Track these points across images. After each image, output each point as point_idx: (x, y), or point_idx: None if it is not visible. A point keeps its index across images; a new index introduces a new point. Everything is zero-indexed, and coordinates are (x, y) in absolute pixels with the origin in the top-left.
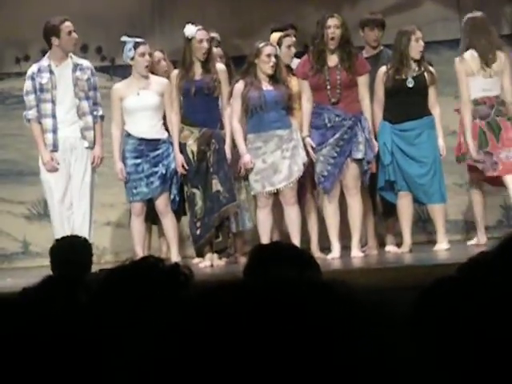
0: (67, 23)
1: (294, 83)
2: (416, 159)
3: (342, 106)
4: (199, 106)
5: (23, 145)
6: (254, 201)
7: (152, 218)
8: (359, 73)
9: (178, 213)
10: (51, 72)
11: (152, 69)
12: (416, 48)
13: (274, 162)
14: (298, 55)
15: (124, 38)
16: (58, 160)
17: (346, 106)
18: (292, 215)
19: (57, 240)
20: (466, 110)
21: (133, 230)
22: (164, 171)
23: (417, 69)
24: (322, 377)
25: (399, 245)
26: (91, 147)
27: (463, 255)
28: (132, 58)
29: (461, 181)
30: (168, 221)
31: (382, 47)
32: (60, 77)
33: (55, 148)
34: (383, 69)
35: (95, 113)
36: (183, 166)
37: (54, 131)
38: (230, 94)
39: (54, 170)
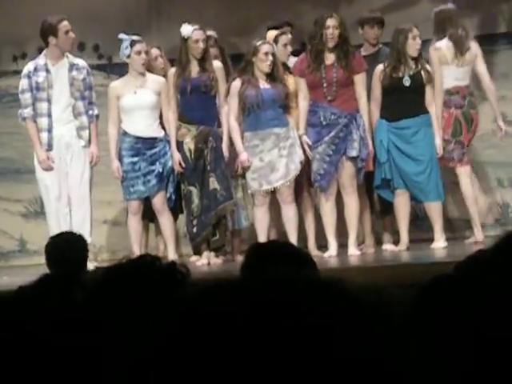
0: (65, 22)
1: (291, 81)
2: (412, 157)
3: (338, 103)
4: (196, 104)
5: (20, 143)
6: (252, 199)
7: (149, 216)
8: (356, 71)
9: (175, 211)
10: (48, 71)
11: (148, 66)
12: (413, 46)
13: (271, 160)
14: (294, 53)
15: (121, 36)
16: (54, 158)
17: (341, 103)
18: (289, 213)
19: (51, 237)
20: (439, 98)
21: (130, 228)
22: (161, 169)
23: (414, 67)
24: (321, 375)
25: (396, 243)
26: (87, 146)
27: (460, 253)
28: (128, 56)
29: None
30: (165, 219)
31: (380, 45)
32: (56, 76)
33: (50, 147)
34: (380, 67)
35: (90, 112)
36: (180, 164)
37: (49, 130)
38: (227, 92)
39: (49, 168)
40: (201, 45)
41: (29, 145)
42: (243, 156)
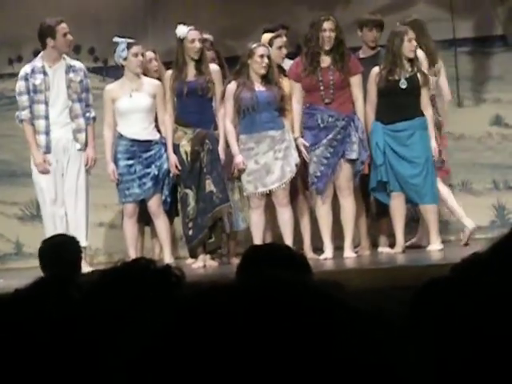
0: (63, 25)
1: (286, 84)
2: (408, 160)
3: (335, 106)
4: (192, 107)
5: (16, 145)
6: (248, 201)
7: (145, 219)
8: (352, 73)
9: (171, 214)
10: (45, 73)
11: (143, 68)
12: (409, 48)
13: (267, 162)
14: (290, 56)
15: (116, 39)
16: (50, 161)
17: (339, 106)
18: (285, 216)
19: (44, 241)
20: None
21: (125, 231)
22: (156, 172)
23: (410, 69)
24: (318, 380)
25: (392, 245)
26: (83, 149)
27: (456, 255)
28: (125, 59)
29: (453, 181)
30: (160, 222)
31: (379, 48)
32: (53, 78)
33: (48, 150)
34: (376, 69)
35: (87, 114)
36: (176, 167)
37: (47, 133)
38: (223, 95)
39: (46, 171)
40: (197, 44)
41: (25, 147)
42: (238, 159)
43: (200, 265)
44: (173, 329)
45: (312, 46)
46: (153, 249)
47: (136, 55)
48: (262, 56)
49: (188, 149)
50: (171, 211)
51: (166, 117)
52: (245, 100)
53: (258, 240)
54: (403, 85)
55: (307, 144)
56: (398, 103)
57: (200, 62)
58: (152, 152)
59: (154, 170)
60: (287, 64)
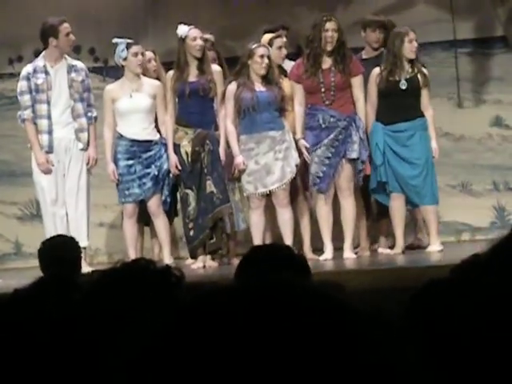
0: (66, 24)
1: (286, 84)
2: (408, 160)
3: (336, 107)
4: (194, 108)
5: (16, 145)
6: (248, 202)
7: (144, 219)
8: (353, 74)
9: (170, 214)
10: (47, 73)
11: (143, 68)
12: (409, 49)
13: (267, 163)
14: (290, 56)
15: (115, 40)
16: (52, 161)
17: (339, 107)
18: (285, 216)
19: (43, 242)
20: None
21: (125, 231)
22: (156, 172)
23: (410, 70)
24: (318, 379)
25: (392, 247)
26: (85, 149)
27: (456, 257)
28: (125, 59)
29: (453, 182)
30: (160, 222)
31: (382, 49)
32: (55, 78)
33: (50, 149)
34: (377, 70)
35: (89, 114)
36: (177, 167)
37: (50, 132)
38: (223, 96)
39: (48, 171)
40: (199, 42)
41: (25, 147)
42: (238, 159)
43: (199, 265)
44: (173, 329)
45: (315, 46)
46: (152, 249)
47: (136, 55)
48: (262, 56)
49: (189, 149)
50: (171, 211)
51: (167, 117)
52: (245, 100)
53: (257, 240)
54: (403, 85)
55: (308, 145)
56: (399, 104)
57: (202, 62)
58: (152, 152)
59: (153, 171)
60: (287, 65)
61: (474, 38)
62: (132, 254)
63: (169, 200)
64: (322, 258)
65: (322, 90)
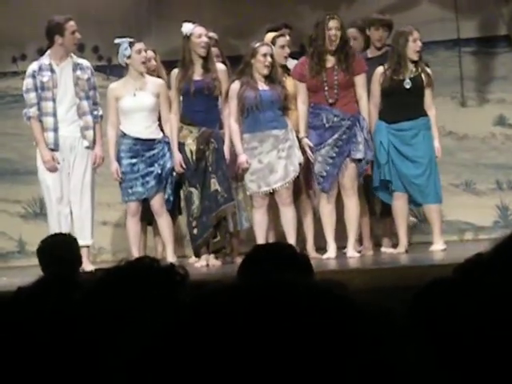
0: (71, 22)
1: (289, 83)
2: (411, 159)
3: (340, 106)
4: (198, 106)
5: (19, 144)
6: (251, 201)
7: (147, 218)
8: (356, 72)
9: (173, 213)
10: (52, 70)
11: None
12: (413, 48)
13: (270, 162)
14: (293, 55)
15: (118, 40)
16: (58, 159)
17: (343, 106)
18: (288, 215)
19: (42, 241)
20: None
21: (128, 230)
22: (159, 171)
23: (414, 69)
24: (320, 378)
25: (395, 245)
26: (91, 147)
27: (459, 256)
28: (129, 57)
29: (456, 181)
30: (163, 220)
31: (386, 48)
32: (61, 76)
33: (56, 147)
34: (380, 69)
35: (95, 112)
36: (181, 165)
37: (55, 130)
38: (226, 94)
39: (54, 169)
40: (204, 39)
41: (29, 145)
42: (242, 158)
43: (203, 264)
44: (173, 329)
45: (318, 45)
46: (155, 247)
47: (139, 52)
48: (265, 55)
49: (193, 148)
50: (174, 210)
51: (172, 115)
52: (248, 99)
53: (261, 239)
54: (407, 85)
55: (311, 144)
56: (402, 103)
57: (206, 60)
58: (155, 151)
59: (157, 169)
60: (290, 63)
61: (477, 37)
62: (135, 253)
63: (172, 199)
64: (325, 256)
65: (326, 88)
